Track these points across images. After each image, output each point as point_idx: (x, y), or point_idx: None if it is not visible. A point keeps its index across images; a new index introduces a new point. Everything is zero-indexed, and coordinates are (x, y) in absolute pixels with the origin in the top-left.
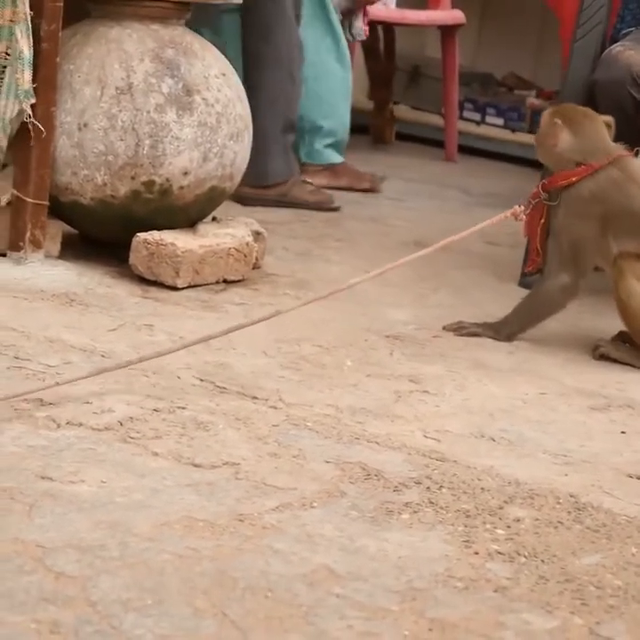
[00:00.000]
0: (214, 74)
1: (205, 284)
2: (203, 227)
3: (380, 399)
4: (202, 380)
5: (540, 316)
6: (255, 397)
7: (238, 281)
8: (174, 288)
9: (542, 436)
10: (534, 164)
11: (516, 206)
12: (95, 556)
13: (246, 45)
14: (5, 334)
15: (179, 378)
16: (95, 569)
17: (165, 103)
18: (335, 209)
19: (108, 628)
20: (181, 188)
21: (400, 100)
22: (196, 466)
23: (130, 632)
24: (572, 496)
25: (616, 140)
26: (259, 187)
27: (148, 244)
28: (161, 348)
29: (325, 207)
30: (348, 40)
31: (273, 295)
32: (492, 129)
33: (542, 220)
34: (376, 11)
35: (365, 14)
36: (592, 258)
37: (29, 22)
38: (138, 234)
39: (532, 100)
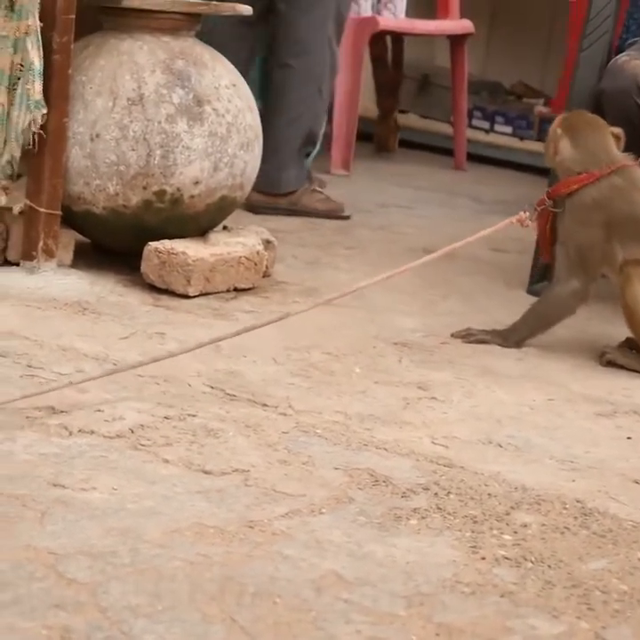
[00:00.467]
0: (225, 84)
1: (216, 293)
2: (213, 235)
3: (388, 406)
4: (212, 388)
5: (551, 321)
6: (265, 404)
7: (249, 289)
8: (185, 296)
9: (549, 442)
10: (543, 172)
11: (522, 212)
12: (106, 562)
13: (277, 57)
14: (19, 343)
15: (189, 385)
16: (106, 575)
17: (176, 114)
18: (345, 217)
19: (119, 634)
20: (192, 197)
21: (410, 108)
22: (206, 473)
23: (140, 638)
24: (578, 501)
25: (623, 150)
26: (270, 194)
27: (160, 252)
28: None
29: (335, 215)
30: None
31: (283, 303)
32: (501, 137)
33: (548, 226)
34: (386, 21)
35: None
36: (599, 264)
37: (39, 34)
38: (149, 243)
39: (541, 108)
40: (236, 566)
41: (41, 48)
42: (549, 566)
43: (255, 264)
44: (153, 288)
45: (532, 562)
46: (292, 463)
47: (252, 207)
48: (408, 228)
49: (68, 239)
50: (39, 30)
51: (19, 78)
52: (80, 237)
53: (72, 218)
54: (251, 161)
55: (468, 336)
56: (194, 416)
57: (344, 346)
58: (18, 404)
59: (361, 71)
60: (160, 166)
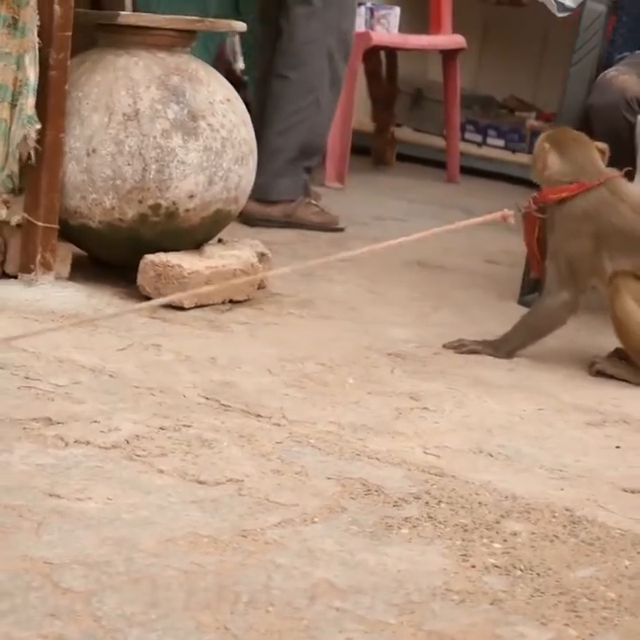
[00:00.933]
0: (219, 99)
1: (211, 304)
2: (209, 248)
3: (380, 416)
4: (207, 399)
5: (541, 332)
6: (259, 415)
7: (244, 301)
8: (181, 308)
9: (539, 452)
10: (534, 185)
11: (506, 209)
12: (101, 571)
13: (276, 68)
14: (16, 354)
15: (184, 396)
16: (101, 584)
17: (171, 129)
18: (340, 230)
19: None
20: (187, 210)
21: (403, 122)
22: (200, 483)
23: None
24: (567, 510)
25: (611, 164)
26: (263, 202)
27: (156, 265)
28: (168, 367)
29: (330, 228)
30: None
31: (278, 314)
32: (493, 150)
33: (536, 234)
34: (379, 36)
35: None
36: (588, 276)
37: (37, 51)
38: (145, 256)
39: (532, 121)
40: (230, 575)
41: (37, 64)
42: (538, 574)
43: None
44: (149, 300)
45: (521, 570)
46: (285, 473)
47: (247, 219)
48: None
49: (66, 252)
50: (37, 47)
51: (20, 94)
52: (77, 250)
53: (69, 231)
54: (245, 175)
55: (460, 347)
56: (189, 426)
57: (338, 357)
58: (15, 414)
59: (355, 85)
60: (155, 180)
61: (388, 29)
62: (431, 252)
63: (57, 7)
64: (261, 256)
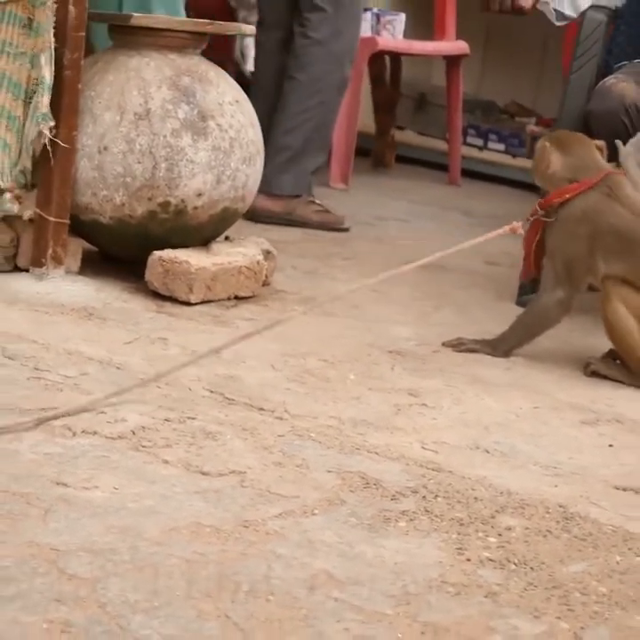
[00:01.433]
0: (228, 101)
1: (217, 300)
2: (215, 245)
3: (380, 412)
4: (211, 392)
5: (536, 331)
6: (262, 409)
7: (249, 297)
8: (188, 303)
9: (534, 449)
10: (533, 188)
11: (514, 222)
12: (106, 559)
13: (287, 70)
14: (26, 346)
15: (190, 389)
16: (106, 571)
17: (181, 128)
18: (344, 229)
19: (117, 629)
20: (195, 208)
21: (406, 125)
22: (204, 474)
23: (137, 632)
24: (561, 506)
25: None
26: (264, 193)
27: (164, 261)
28: (174, 360)
29: (332, 227)
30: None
31: (281, 311)
32: (494, 154)
33: (537, 237)
34: (385, 41)
35: None
36: (584, 276)
37: (53, 50)
38: (154, 252)
39: (532, 127)
40: (231, 564)
41: (53, 64)
42: (532, 568)
43: (255, 273)
44: (156, 295)
45: (515, 564)
46: (286, 466)
47: (251, 215)
48: (403, 240)
49: (76, 247)
50: (53, 47)
51: (34, 92)
52: (87, 246)
53: (80, 227)
54: (252, 174)
55: (458, 345)
56: (193, 419)
57: (339, 353)
58: (24, 405)
59: (360, 89)
60: (165, 178)
61: (394, 35)
62: (431, 252)
63: (72, 8)
64: (267, 254)
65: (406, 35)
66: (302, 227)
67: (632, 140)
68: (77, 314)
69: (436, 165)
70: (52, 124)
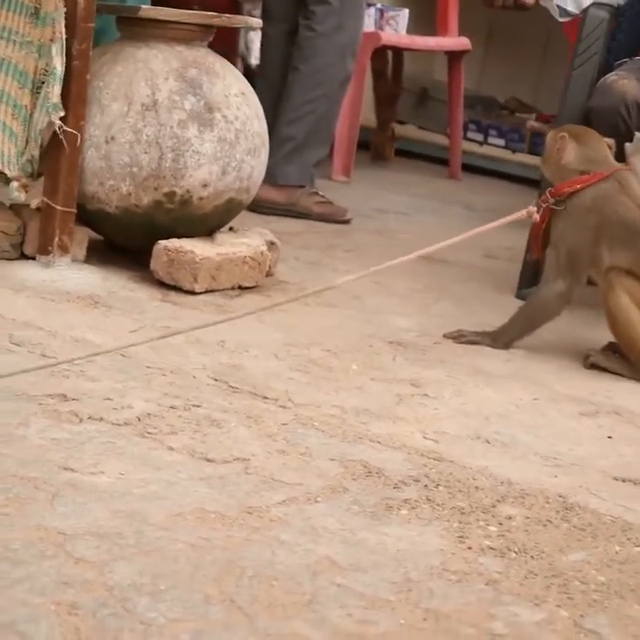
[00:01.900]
0: (234, 93)
1: (221, 290)
2: (220, 236)
3: (382, 401)
4: (216, 380)
5: (537, 322)
6: (266, 397)
7: (252, 287)
8: (192, 293)
9: (534, 440)
10: (533, 183)
11: (531, 207)
12: (113, 543)
13: (291, 61)
14: (33, 333)
15: (194, 377)
16: (112, 555)
17: (188, 119)
18: (346, 221)
19: (123, 611)
20: (201, 199)
21: (408, 119)
22: (208, 460)
23: (143, 615)
24: (560, 496)
25: None
26: (268, 183)
27: (169, 251)
28: (179, 349)
29: (334, 219)
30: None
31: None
32: (494, 149)
33: (544, 225)
34: (388, 36)
35: None
36: (586, 267)
37: (64, 41)
38: (159, 241)
39: (532, 122)
40: (236, 550)
41: (64, 54)
42: (532, 557)
43: (259, 264)
44: (161, 284)
45: (515, 552)
46: (290, 453)
47: (254, 205)
48: (404, 233)
49: (82, 236)
50: (64, 37)
51: (42, 82)
52: (93, 234)
53: (86, 216)
54: (257, 166)
55: (459, 337)
56: (198, 406)
57: (342, 344)
58: (31, 391)
59: (363, 83)
60: (171, 169)
61: (397, 30)
62: (431, 245)
63: None
64: (271, 245)
65: (409, 30)
66: (305, 218)
67: (638, 136)
68: (83, 302)
69: (436, 160)
70: (63, 114)
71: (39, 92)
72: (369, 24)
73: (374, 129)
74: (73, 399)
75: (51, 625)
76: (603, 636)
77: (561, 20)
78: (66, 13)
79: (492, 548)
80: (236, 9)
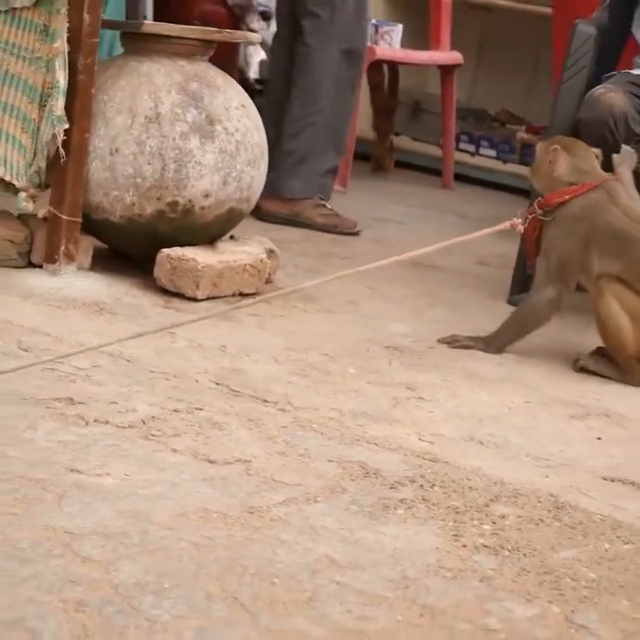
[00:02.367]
0: (235, 105)
1: (223, 296)
2: (221, 244)
3: (379, 404)
4: (218, 384)
5: (528, 328)
6: (266, 401)
7: (252, 294)
8: (194, 299)
9: (526, 441)
10: (523, 192)
11: (515, 218)
12: (118, 542)
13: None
14: (40, 339)
15: (197, 381)
16: (118, 554)
17: (189, 131)
18: (352, 233)
19: (129, 609)
20: (202, 208)
21: (402, 131)
22: (211, 462)
23: (148, 612)
24: (552, 496)
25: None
26: (271, 198)
27: (171, 259)
28: (181, 354)
29: (338, 231)
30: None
31: (283, 307)
32: (486, 160)
33: (536, 233)
34: (382, 51)
35: None
36: (576, 274)
37: (66, 56)
38: (162, 249)
39: (522, 134)
40: (238, 549)
41: (67, 68)
42: (525, 554)
43: (259, 271)
44: (164, 291)
45: (508, 550)
46: (289, 455)
47: (257, 213)
48: (399, 241)
49: (88, 244)
50: (66, 52)
51: (49, 96)
52: (98, 243)
53: (91, 225)
54: (257, 176)
55: (453, 342)
56: (200, 410)
57: (340, 348)
58: (39, 394)
59: (359, 96)
60: (173, 179)
61: (391, 45)
62: (427, 253)
63: (86, 15)
64: (270, 252)
65: (403, 45)
66: (308, 228)
67: (625, 148)
68: (89, 308)
69: (430, 170)
70: (67, 126)
71: (46, 106)
72: None
73: (373, 141)
74: (79, 403)
75: (58, 622)
76: (593, 630)
77: None
78: (71, 29)
79: (486, 546)
80: (235, 24)
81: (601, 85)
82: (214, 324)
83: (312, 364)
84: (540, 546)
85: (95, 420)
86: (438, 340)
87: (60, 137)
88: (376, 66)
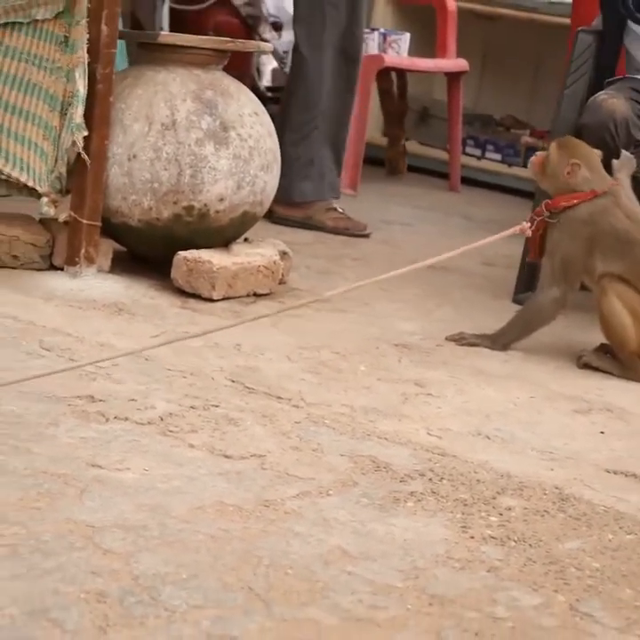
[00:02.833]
0: (248, 112)
1: (237, 297)
2: (236, 246)
3: (389, 400)
4: (233, 382)
5: (533, 326)
6: (280, 397)
7: (266, 294)
8: (210, 300)
9: (531, 435)
10: (527, 194)
11: (524, 223)
12: (138, 535)
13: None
14: (62, 339)
15: (213, 379)
16: (138, 546)
17: (204, 138)
18: (363, 236)
19: (148, 599)
20: (217, 212)
21: (410, 136)
22: (227, 457)
23: (167, 602)
24: (556, 488)
25: None
26: (284, 204)
27: (188, 261)
28: (198, 353)
29: (349, 233)
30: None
31: (296, 307)
32: (491, 163)
33: (540, 233)
34: (390, 58)
35: None
36: (580, 275)
37: (86, 65)
38: (179, 252)
39: (527, 138)
40: (253, 541)
41: (86, 78)
42: (530, 545)
43: (272, 272)
44: (181, 292)
45: (515, 541)
46: (303, 450)
47: (271, 217)
48: (407, 242)
49: (107, 247)
50: (86, 62)
51: (69, 104)
52: (117, 246)
53: (110, 228)
54: (270, 181)
55: (460, 339)
56: (217, 406)
57: (350, 346)
58: (61, 393)
59: (369, 102)
60: (189, 184)
61: (399, 53)
62: (434, 255)
63: (104, 27)
64: (283, 254)
65: (410, 53)
66: (320, 230)
67: (624, 153)
68: (108, 309)
69: (437, 173)
70: (86, 133)
71: (67, 114)
72: (373, 47)
73: (386, 146)
74: (100, 400)
75: (81, 612)
76: (597, 618)
77: None
78: (90, 40)
79: (493, 537)
80: (248, 35)
81: (603, 91)
82: (229, 323)
83: (324, 361)
84: (546, 537)
85: (115, 417)
86: (446, 338)
87: (80, 144)
88: (385, 73)
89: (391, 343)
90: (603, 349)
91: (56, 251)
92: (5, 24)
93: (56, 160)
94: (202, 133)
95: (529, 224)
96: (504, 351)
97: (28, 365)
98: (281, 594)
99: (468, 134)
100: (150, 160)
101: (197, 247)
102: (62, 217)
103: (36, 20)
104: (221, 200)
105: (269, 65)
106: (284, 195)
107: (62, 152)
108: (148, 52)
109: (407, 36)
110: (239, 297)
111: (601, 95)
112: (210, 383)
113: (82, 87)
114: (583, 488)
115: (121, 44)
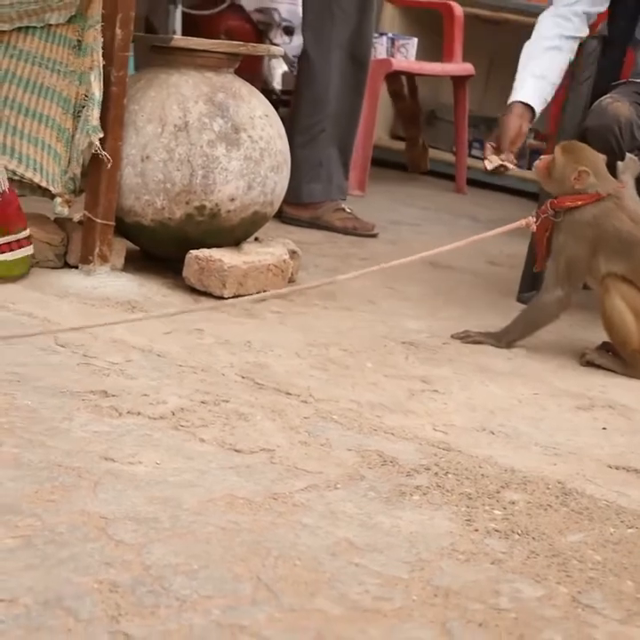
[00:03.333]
0: (259, 115)
1: (248, 295)
2: (246, 245)
3: (395, 396)
4: (243, 378)
5: (537, 325)
6: (289, 393)
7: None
8: (221, 298)
9: (535, 431)
10: (531, 195)
11: (529, 217)
12: (150, 526)
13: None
14: (76, 335)
15: (223, 375)
16: (149, 538)
17: (216, 139)
18: (371, 236)
19: (160, 589)
20: (228, 212)
21: None
22: (237, 451)
23: (178, 592)
24: (559, 483)
25: None
26: (293, 204)
27: (200, 259)
28: (209, 349)
29: (357, 233)
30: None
31: (305, 305)
32: None
33: (547, 233)
34: (398, 62)
35: None
36: (583, 275)
37: (101, 69)
38: (191, 251)
39: (530, 140)
40: (262, 533)
41: (102, 81)
42: (534, 538)
43: (282, 271)
44: (193, 290)
45: (518, 534)
46: (311, 444)
47: (281, 217)
48: (415, 242)
49: (120, 246)
50: (102, 65)
51: (83, 107)
52: (130, 245)
53: (124, 228)
54: (280, 181)
55: (465, 337)
56: (227, 402)
57: (358, 344)
58: (75, 388)
59: (377, 104)
60: (201, 185)
61: (407, 57)
62: (442, 254)
63: (118, 30)
64: (292, 253)
65: (418, 57)
66: (327, 231)
67: (628, 156)
68: (122, 306)
69: (444, 175)
70: (102, 135)
71: (80, 116)
72: (381, 51)
73: (405, 147)
74: (113, 395)
75: (94, 601)
76: (598, 610)
77: None
78: (104, 44)
79: (497, 531)
80: (259, 39)
81: (608, 95)
82: (239, 321)
83: (332, 358)
84: (549, 530)
85: (128, 412)
86: (452, 336)
87: (97, 145)
88: (394, 76)
89: (398, 341)
90: (605, 347)
91: (71, 249)
92: (19, 28)
93: (69, 161)
94: (214, 135)
95: (534, 219)
96: (508, 349)
97: (44, 361)
98: (289, 584)
99: (474, 137)
100: (163, 161)
101: (209, 246)
102: (76, 217)
103: (50, 25)
104: (232, 200)
105: (280, 68)
106: (293, 195)
107: (77, 153)
108: (161, 56)
109: (415, 40)
110: (249, 295)
111: (606, 99)
112: (220, 379)
113: (97, 90)
114: (585, 483)
115: None
